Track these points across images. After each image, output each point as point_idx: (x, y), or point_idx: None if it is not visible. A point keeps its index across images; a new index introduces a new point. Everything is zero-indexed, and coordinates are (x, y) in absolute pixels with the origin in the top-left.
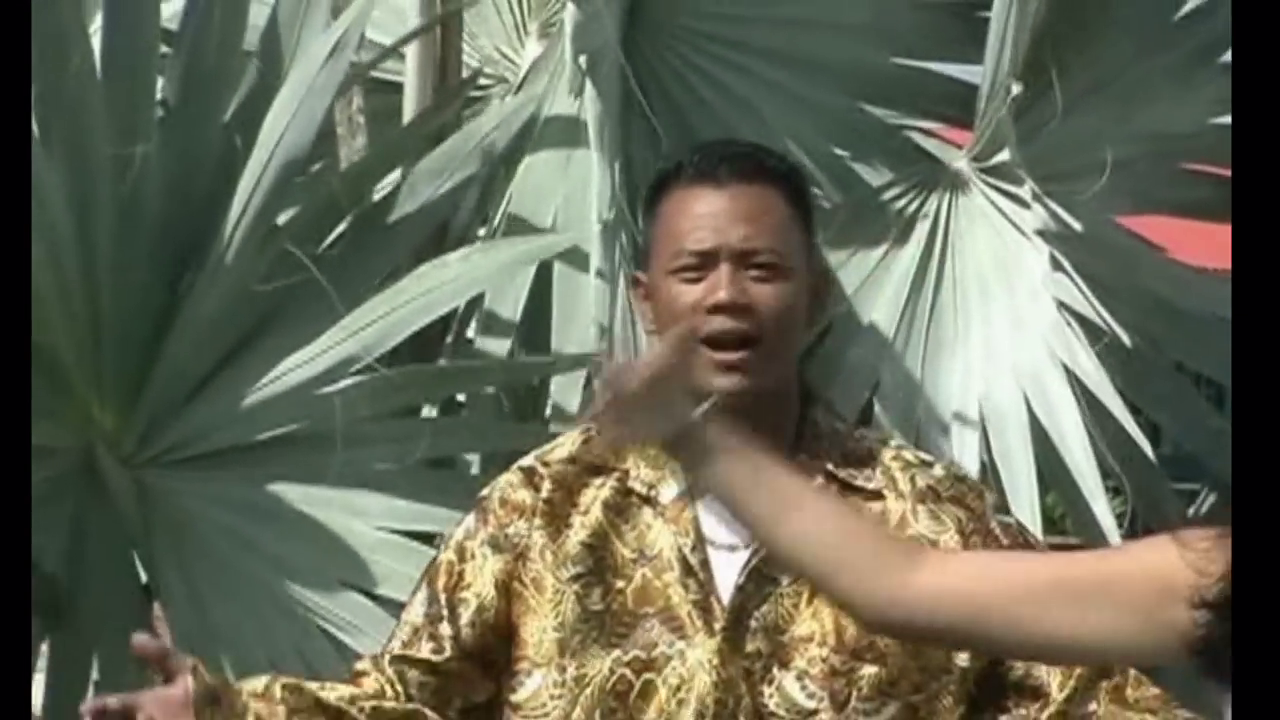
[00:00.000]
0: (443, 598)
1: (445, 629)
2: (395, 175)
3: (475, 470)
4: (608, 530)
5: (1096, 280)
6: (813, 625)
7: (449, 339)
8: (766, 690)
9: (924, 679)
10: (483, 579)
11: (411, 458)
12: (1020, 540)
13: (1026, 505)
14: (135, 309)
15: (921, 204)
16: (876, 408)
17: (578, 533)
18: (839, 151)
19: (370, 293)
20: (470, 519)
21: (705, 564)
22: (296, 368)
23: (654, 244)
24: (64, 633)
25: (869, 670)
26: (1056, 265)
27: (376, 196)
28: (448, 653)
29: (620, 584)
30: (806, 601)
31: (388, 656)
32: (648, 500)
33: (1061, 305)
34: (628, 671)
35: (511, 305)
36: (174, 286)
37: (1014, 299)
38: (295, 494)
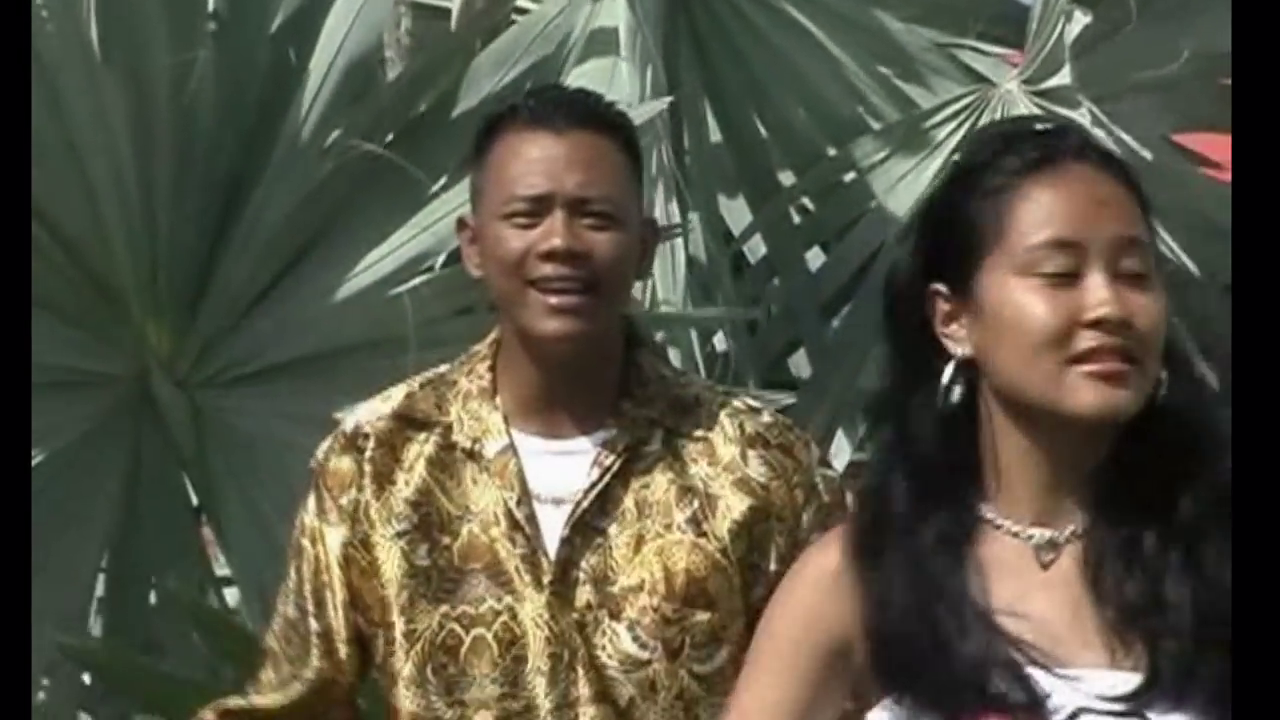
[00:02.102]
0: (307, 589)
1: (314, 625)
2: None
3: None
4: (432, 486)
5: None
6: (641, 574)
7: None
8: (599, 642)
9: (752, 625)
10: (331, 558)
11: None
12: (840, 497)
13: None
14: (192, 227)
15: (972, 126)
16: None
17: (402, 490)
18: (890, 73)
19: (434, 190)
20: (311, 496)
21: (531, 518)
22: (362, 271)
23: (485, 186)
24: (120, 559)
25: (701, 617)
26: None
27: (435, 93)
28: (314, 657)
29: (446, 540)
30: (634, 550)
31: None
32: (471, 455)
33: None
34: (456, 626)
35: None
36: (229, 202)
37: None
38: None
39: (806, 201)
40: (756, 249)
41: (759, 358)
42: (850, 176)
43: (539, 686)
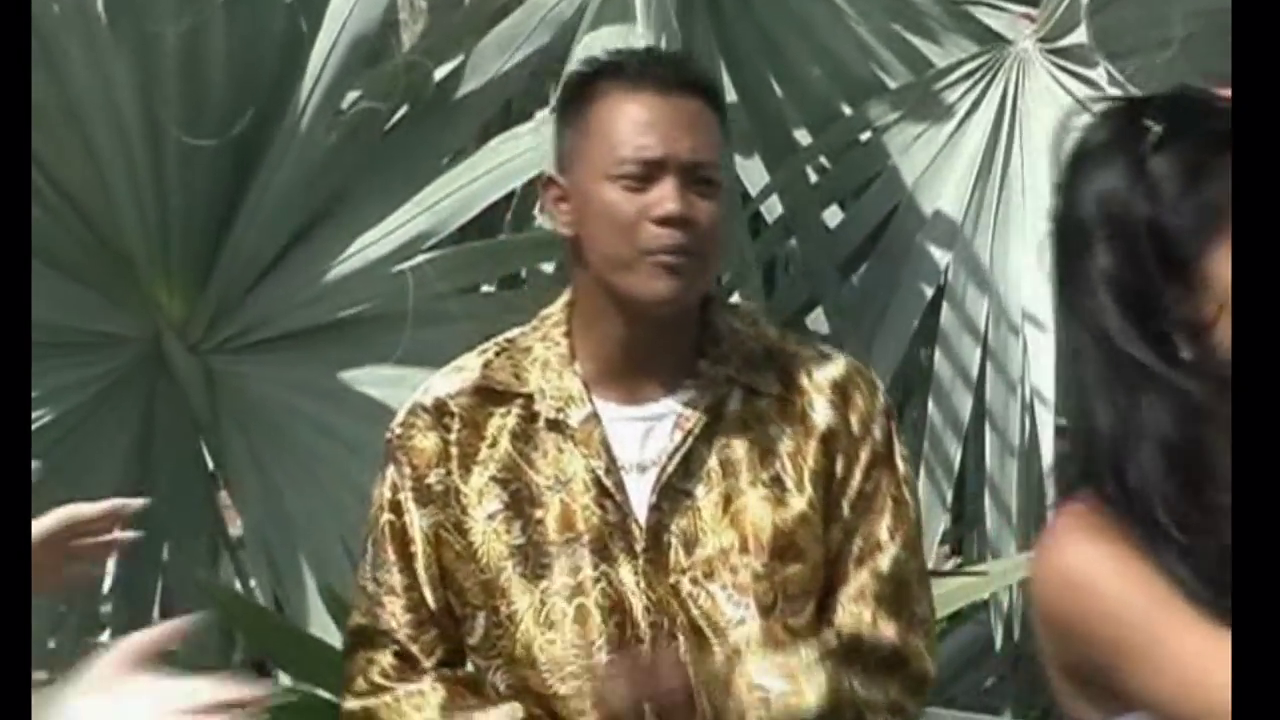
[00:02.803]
0: (407, 564)
1: (425, 595)
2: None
3: None
4: (518, 461)
5: None
6: (730, 534)
7: (509, 217)
8: (694, 605)
9: (829, 570)
10: (419, 534)
11: (483, 334)
12: (887, 450)
13: None
14: (202, 194)
15: (988, 85)
16: (944, 299)
17: (488, 468)
18: (905, 32)
19: (439, 169)
20: (390, 470)
21: (620, 485)
22: (367, 246)
23: (585, 145)
24: (134, 522)
25: (791, 570)
26: None
27: (442, 74)
28: (430, 625)
29: (539, 513)
30: (722, 511)
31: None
32: (555, 425)
33: None
34: (559, 600)
35: None
36: (241, 168)
37: None
38: (368, 374)
39: (823, 161)
40: (773, 209)
41: (776, 317)
42: (866, 136)
43: (643, 651)
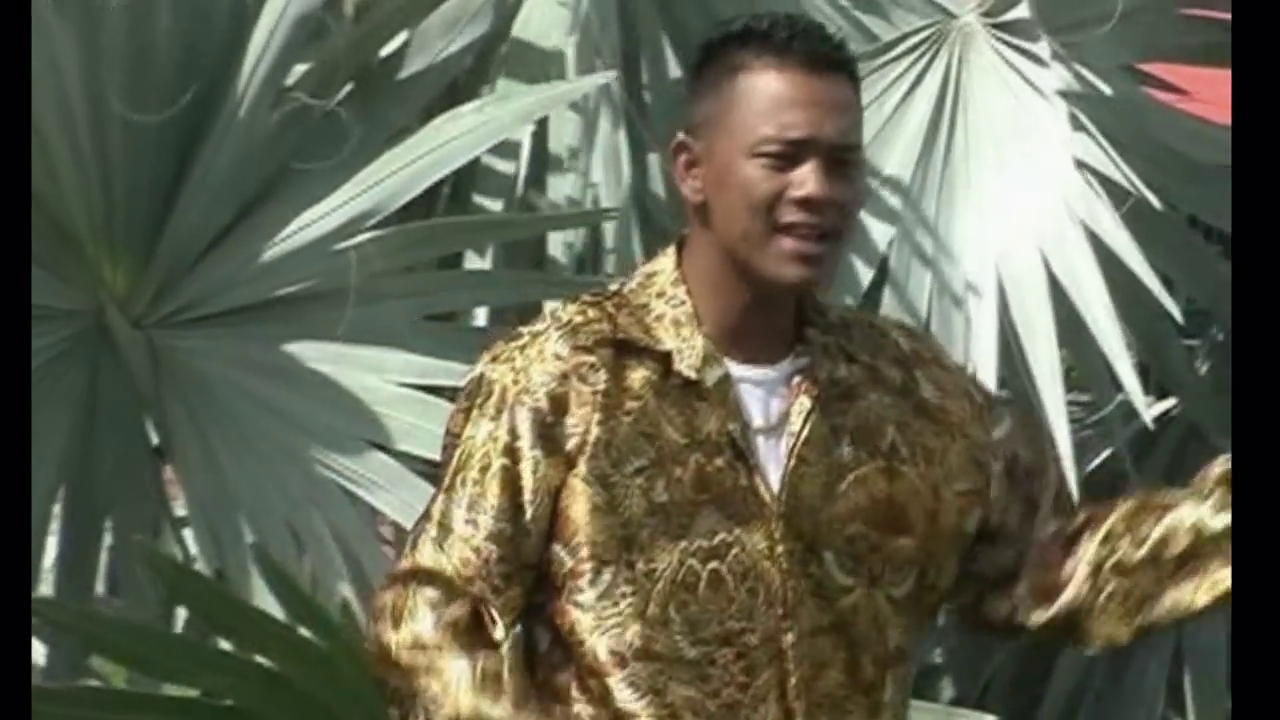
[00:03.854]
0: (496, 507)
1: (524, 547)
2: (404, 33)
3: (482, 323)
4: (659, 417)
5: (1110, 136)
6: (844, 503)
7: (445, 198)
8: (811, 569)
9: (939, 546)
10: (535, 484)
11: (425, 312)
12: (985, 394)
13: (1047, 366)
14: (146, 168)
15: (931, 59)
16: (891, 266)
17: (636, 421)
18: (849, 5)
19: (382, 148)
20: (508, 415)
21: (752, 448)
22: (311, 224)
23: (727, 116)
24: (78, 495)
25: (900, 543)
26: (1077, 124)
27: (385, 53)
28: (525, 567)
29: (678, 472)
30: (837, 479)
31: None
32: (692, 384)
33: (1080, 164)
34: (694, 562)
35: (511, 164)
36: (185, 144)
37: (1030, 158)
38: (311, 351)
39: None
40: None
41: None
42: None
43: (773, 619)
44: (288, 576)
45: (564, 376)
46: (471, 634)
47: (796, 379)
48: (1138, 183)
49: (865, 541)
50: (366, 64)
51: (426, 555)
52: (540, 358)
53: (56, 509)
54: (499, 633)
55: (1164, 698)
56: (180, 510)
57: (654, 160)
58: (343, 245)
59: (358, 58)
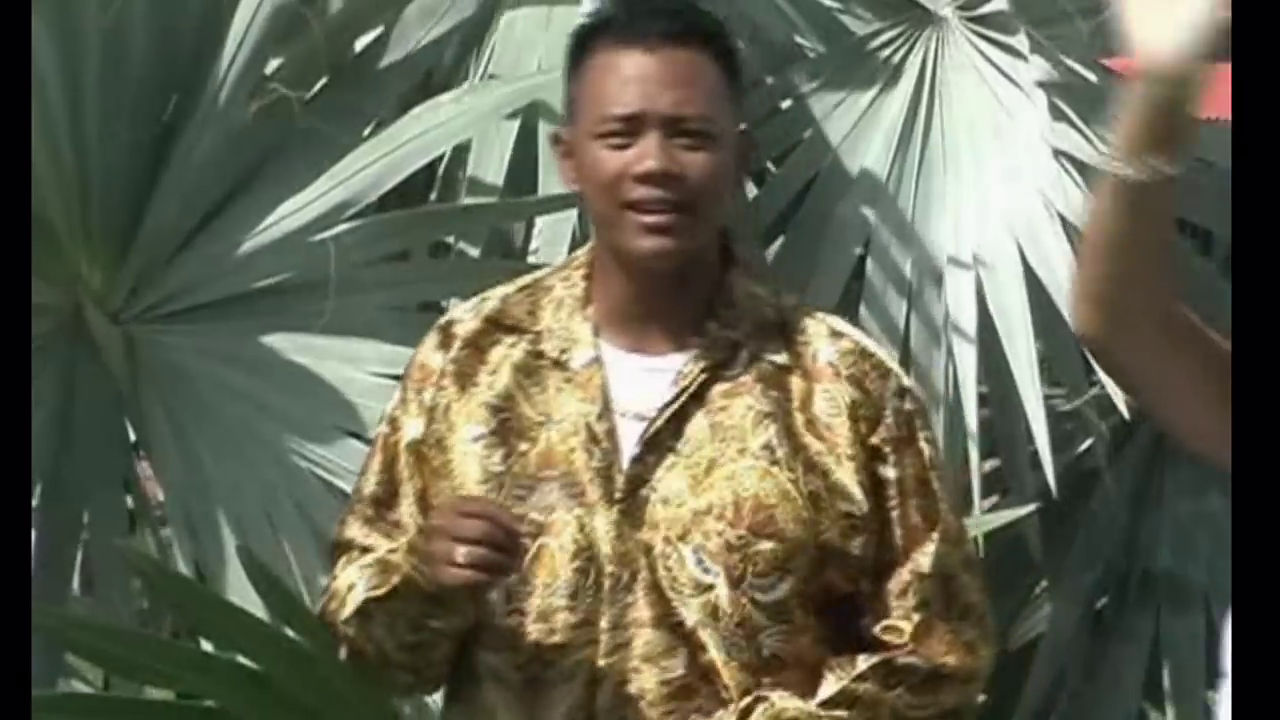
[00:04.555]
0: (381, 478)
1: (389, 514)
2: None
3: None
4: (514, 392)
5: (1090, 127)
6: (710, 498)
7: (434, 187)
8: (663, 563)
9: (818, 559)
10: (403, 447)
11: (403, 302)
12: (905, 433)
13: (1024, 357)
14: (122, 161)
15: (908, 53)
16: (868, 262)
17: (483, 393)
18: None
19: (359, 139)
20: (399, 388)
21: (610, 432)
22: (288, 216)
23: (578, 103)
24: (54, 491)
25: (765, 546)
26: (1058, 115)
27: (363, 44)
28: (400, 527)
29: (524, 446)
30: (706, 473)
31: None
32: (558, 364)
33: (1059, 154)
34: (525, 536)
35: (498, 155)
36: (161, 138)
37: (1006, 150)
38: (288, 343)
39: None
40: None
41: None
42: (786, 104)
43: (598, 603)
44: (272, 574)
45: (434, 349)
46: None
47: (680, 369)
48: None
49: (723, 540)
50: (343, 55)
51: (341, 529)
52: (434, 334)
53: (33, 506)
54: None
55: (1141, 692)
56: (157, 503)
57: None
58: (320, 236)
59: (335, 49)
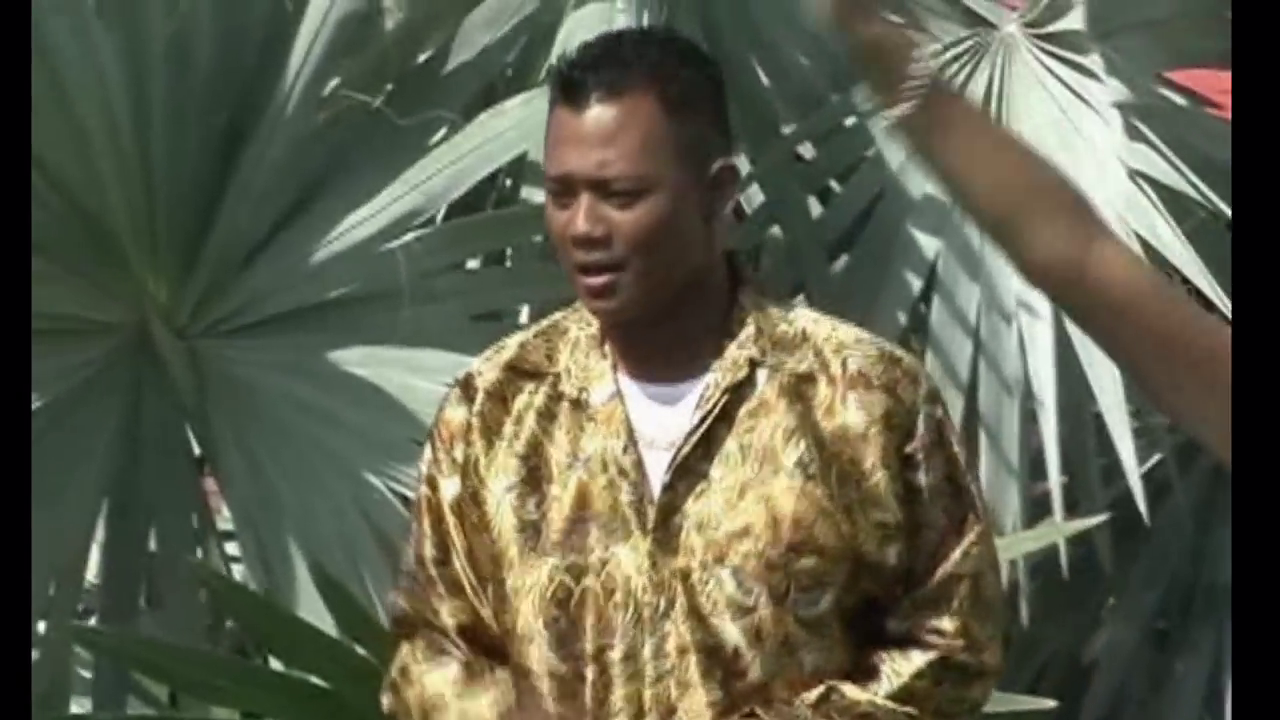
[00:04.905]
0: (432, 541)
1: (449, 572)
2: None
3: (524, 319)
4: (540, 437)
5: (1167, 147)
6: (746, 519)
7: (495, 193)
8: (703, 589)
9: (855, 570)
10: (447, 507)
11: (472, 311)
12: (935, 438)
13: (1110, 386)
14: (189, 177)
15: (973, 70)
16: (937, 279)
17: (511, 443)
18: (891, 17)
19: (426, 147)
20: (427, 446)
21: (638, 464)
22: (355, 226)
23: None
24: (120, 508)
25: (806, 562)
26: (1135, 134)
27: (429, 50)
28: (468, 597)
29: (555, 490)
30: (739, 495)
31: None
32: (578, 403)
33: (1135, 175)
34: (566, 578)
35: None
36: (228, 149)
37: (1077, 169)
38: (355, 355)
39: (807, 147)
40: (754, 197)
41: None
42: (849, 122)
43: (640, 634)
44: (343, 589)
45: (457, 403)
46: (429, 656)
47: (702, 394)
48: (1201, 194)
49: (763, 559)
50: (409, 62)
51: (398, 601)
52: (456, 389)
53: (100, 522)
54: (451, 649)
55: (1204, 705)
56: (225, 523)
57: None
58: (389, 245)
59: (401, 55)
